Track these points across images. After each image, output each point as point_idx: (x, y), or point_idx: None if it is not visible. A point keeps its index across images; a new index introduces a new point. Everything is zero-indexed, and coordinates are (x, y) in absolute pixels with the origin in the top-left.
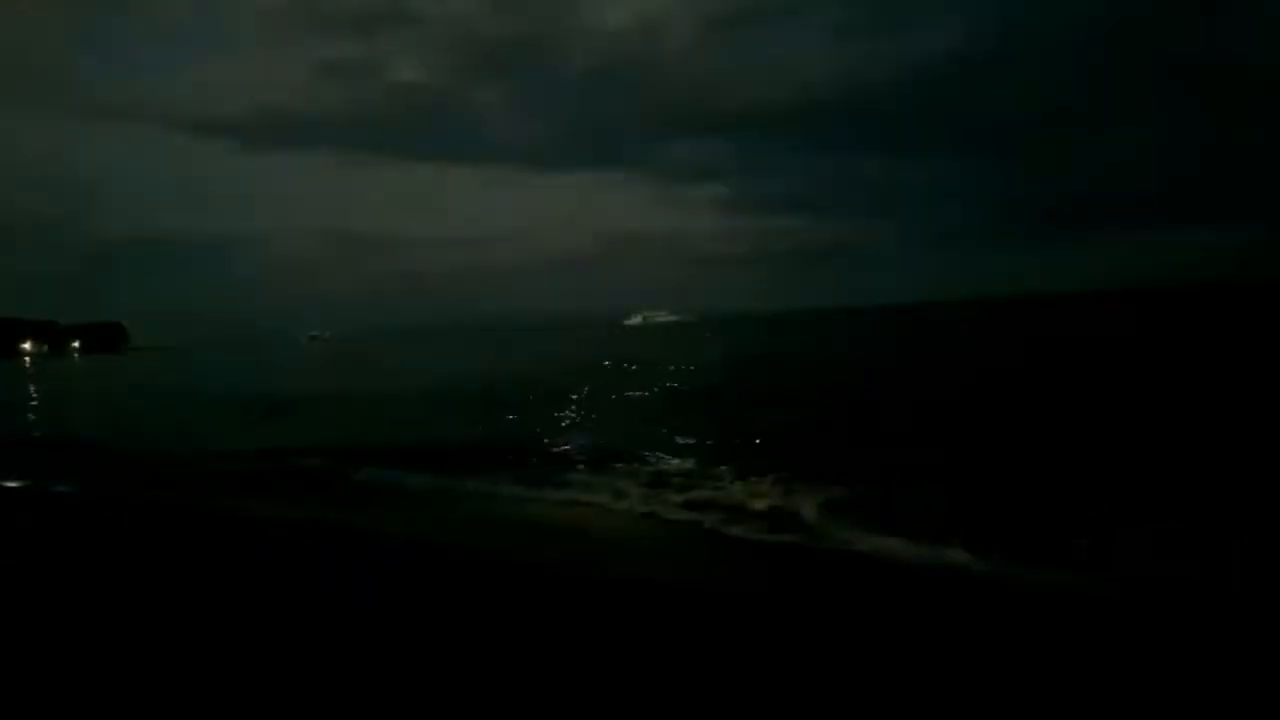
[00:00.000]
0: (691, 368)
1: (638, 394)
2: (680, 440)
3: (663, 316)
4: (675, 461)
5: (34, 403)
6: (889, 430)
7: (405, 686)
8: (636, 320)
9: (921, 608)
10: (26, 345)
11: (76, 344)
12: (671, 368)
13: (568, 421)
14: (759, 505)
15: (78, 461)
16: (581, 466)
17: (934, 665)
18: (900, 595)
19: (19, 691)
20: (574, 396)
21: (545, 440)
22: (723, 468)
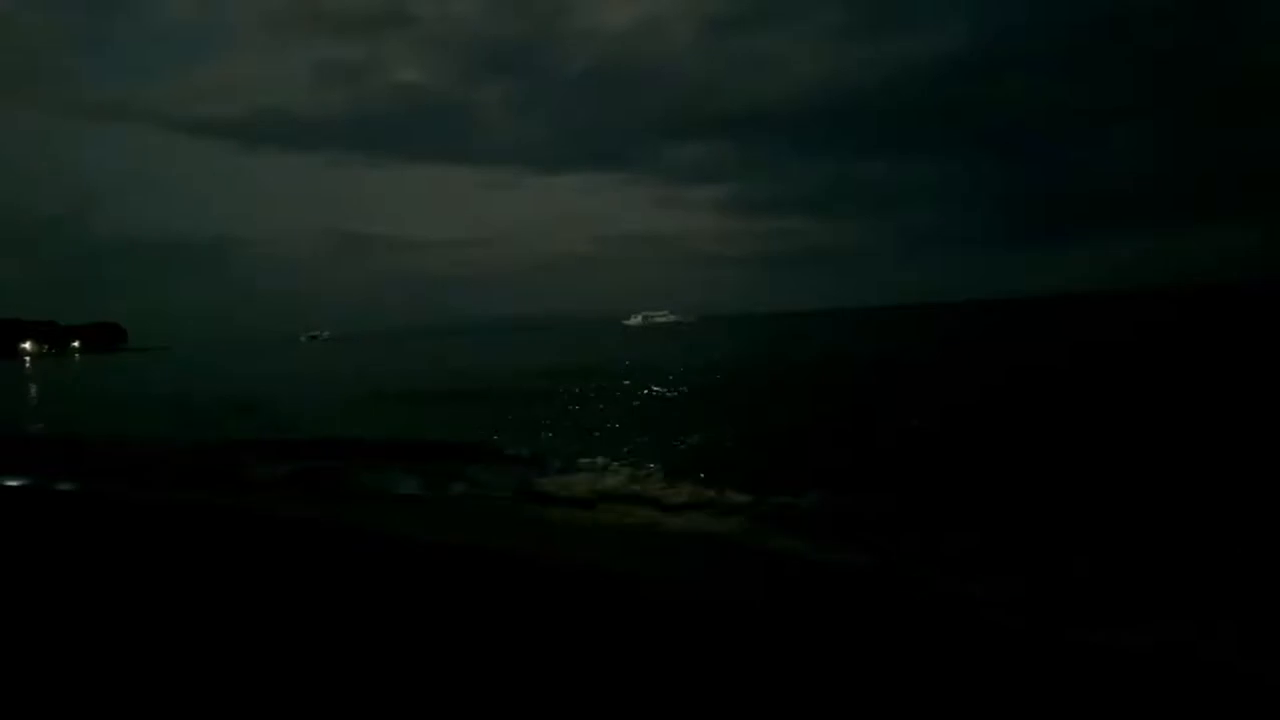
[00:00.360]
0: (682, 369)
1: (622, 396)
2: (656, 443)
3: (662, 317)
4: (645, 463)
5: (32, 402)
6: (874, 438)
7: (384, 682)
8: (636, 321)
9: (842, 613)
10: (27, 345)
11: (76, 344)
12: (660, 370)
13: (548, 423)
14: (713, 507)
15: (64, 458)
16: (558, 467)
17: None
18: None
19: None
20: (558, 399)
21: (521, 443)
22: (691, 469)
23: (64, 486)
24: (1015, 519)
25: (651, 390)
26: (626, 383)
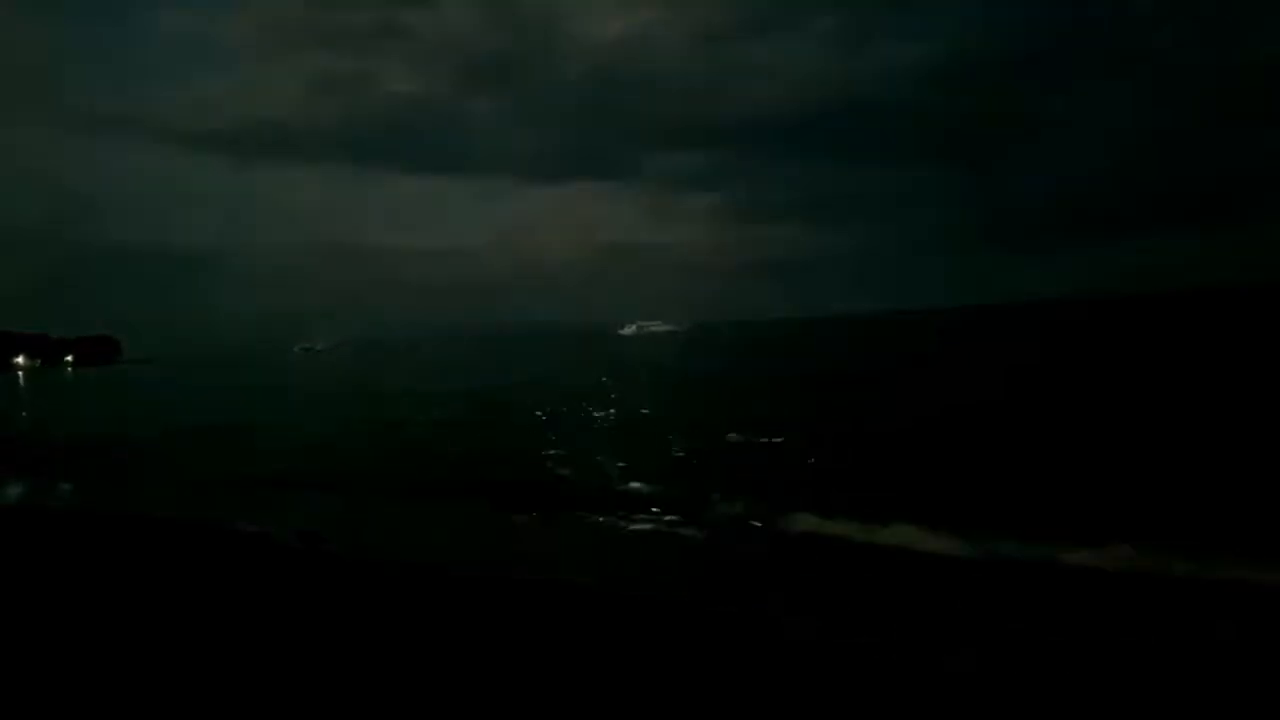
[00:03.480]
0: (644, 380)
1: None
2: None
3: (656, 326)
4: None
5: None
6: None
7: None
8: (630, 330)
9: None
10: (19, 360)
11: (70, 358)
12: (634, 385)
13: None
14: None
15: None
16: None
17: None
18: None
19: None
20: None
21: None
22: None
23: None
24: None
25: (609, 410)
26: (585, 402)
